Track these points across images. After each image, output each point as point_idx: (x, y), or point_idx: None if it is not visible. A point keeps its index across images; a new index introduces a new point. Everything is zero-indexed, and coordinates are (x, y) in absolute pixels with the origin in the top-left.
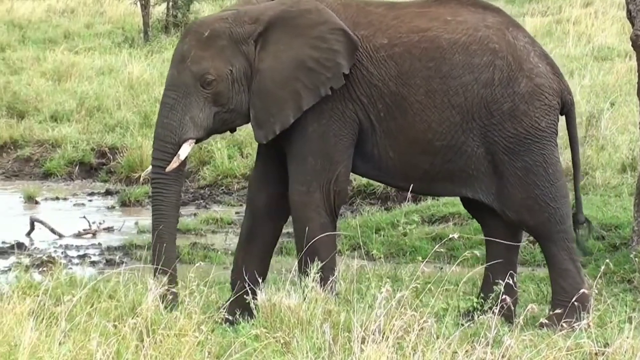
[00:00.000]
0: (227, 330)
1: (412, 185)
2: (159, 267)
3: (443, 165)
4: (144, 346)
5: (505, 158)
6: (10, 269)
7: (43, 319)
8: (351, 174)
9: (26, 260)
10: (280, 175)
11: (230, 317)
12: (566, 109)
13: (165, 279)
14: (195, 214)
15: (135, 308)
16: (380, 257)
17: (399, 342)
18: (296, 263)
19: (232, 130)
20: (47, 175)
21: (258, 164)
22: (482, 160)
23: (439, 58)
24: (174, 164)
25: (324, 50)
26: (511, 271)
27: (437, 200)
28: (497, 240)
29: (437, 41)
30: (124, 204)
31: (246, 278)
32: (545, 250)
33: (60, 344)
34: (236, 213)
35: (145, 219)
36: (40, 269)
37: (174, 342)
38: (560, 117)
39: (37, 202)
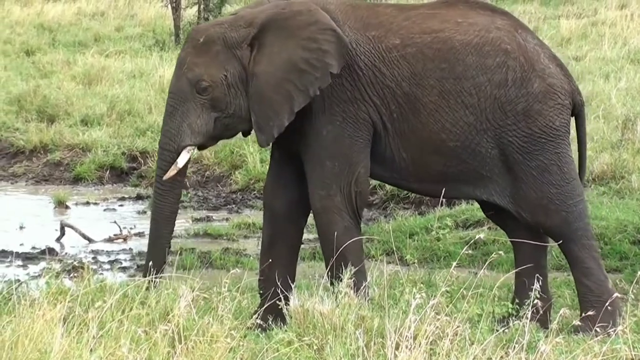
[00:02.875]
0: (260, 336)
1: (425, 187)
2: (146, 273)
3: (457, 166)
4: (175, 352)
5: (519, 158)
6: (40, 275)
7: (74, 325)
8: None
9: (57, 266)
10: (295, 178)
11: (263, 323)
12: (577, 110)
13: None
14: (227, 219)
15: (166, 314)
16: (413, 262)
17: (433, 348)
18: (328, 268)
19: (245, 134)
20: (77, 180)
21: (272, 168)
22: (497, 162)
23: (453, 59)
24: (171, 171)
25: (313, 51)
26: (539, 274)
27: (471, 204)
28: (522, 241)
29: (450, 42)
30: None
31: (279, 284)
32: (566, 251)
33: (91, 350)
34: None
35: (176, 224)
36: (71, 275)
37: (206, 348)
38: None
39: (67, 207)
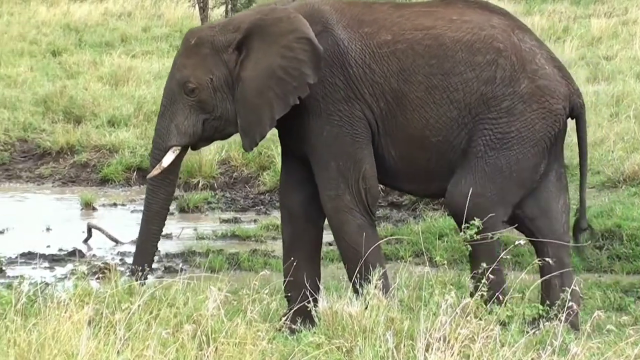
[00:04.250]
0: (289, 338)
1: (414, 186)
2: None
3: (438, 161)
4: (203, 355)
5: (482, 151)
6: (67, 277)
7: (101, 327)
8: None
9: (83, 268)
10: (308, 176)
11: (292, 325)
12: (575, 112)
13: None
14: (255, 220)
15: (194, 316)
16: (443, 264)
17: (464, 351)
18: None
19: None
20: (104, 181)
21: (284, 168)
22: (463, 154)
23: (442, 55)
24: (155, 170)
25: (290, 59)
26: (563, 273)
27: None
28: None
29: (440, 39)
30: (182, 210)
31: (306, 285)
32: (473, 250)
33: (118, 352)
34: None
35: (204, 225)
36: (98, 277)
37: (234, 350)
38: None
39: (94, 209)
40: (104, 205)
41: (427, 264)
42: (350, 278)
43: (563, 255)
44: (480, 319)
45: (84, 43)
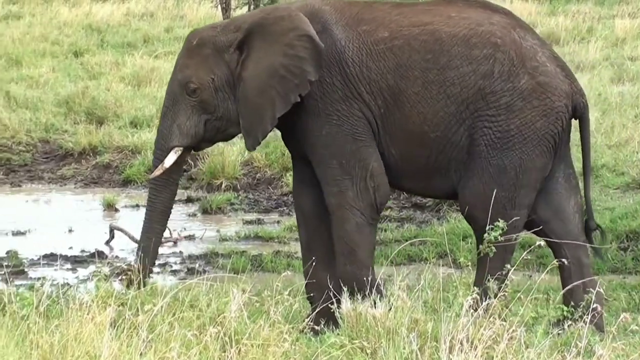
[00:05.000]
0: (312, 340)
1: (414, 185)
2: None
3: (437, 157)
4: (226, 356)
5: (484, 151)
6: (89, 278)
7: (123, 328)
8: None
9: (106, 269)
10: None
11: (315, 327)
12: (579, 112)
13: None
14: (278, 222)
15: (217, 317)
16: (467, 265)
17: (488, 352)
18: (381, 272)
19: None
20: (127, 182)
21: (294, 170)
22: (464, 151)
23: (438, 50)
24: (157, 171)
25: (291, 57)
26: (583, 273)
27: None
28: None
29: (437, 34)
30: (205, 211)
31: (330, 286)
32: (482, 255)
33: (140, 354)
34: None
35: (227, 226)
36: (120, 278)
37: (258, 352)
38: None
39: (116, 210)
40: (126, 206)
41: (451, 265)
42: (338, 273)
43: (581, 255)
44: (504, 320)
45: (106, 44)
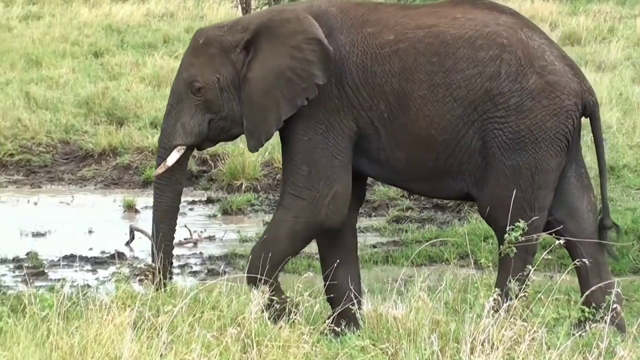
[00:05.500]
0: (333, 341)
1: (422, 186)
2: (153, 265)
3: (446, 160)
4: (247, 358)
5: (498, 153)
6: (109, 279)
7: (144, 330)
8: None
9: (126, 270)
10: None
11: (336, 328)
12: (589, 110)
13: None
14: None
15: (238, 318)
16: (488, 266)
17: (509, 353)
18: (402, 272)
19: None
20: (147, 183)
21: None
22: (478, 154)
23: (443, 53)
24: (160, 169)
25: (299, 60)
26: (601, 272)
27: None
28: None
29: (442, 36)
30: (225, 212)
31: (351, 287)
32: (503, 256)
33: (161, 355)
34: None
35: (248, 227)
36: (140, 279)
37: (279, 353)
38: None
39: (137, 211)
40: (146, 207)
41: (472, 266)
42: (250, 266)
43: (597, 254)
44: (526, 321)
45: (126, 44)
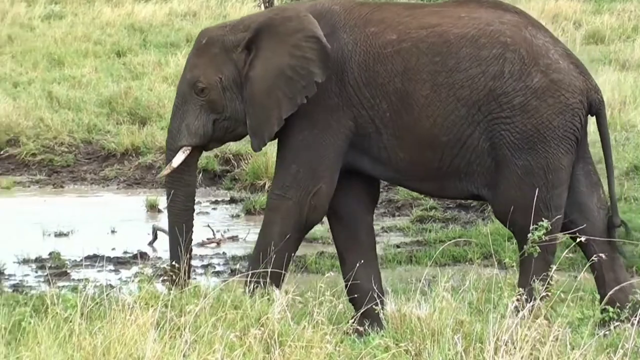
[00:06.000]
0: (356, 341)
1: (426, 186)
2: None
3: (451, 161)
4: (270, 358)
5: (508, 154)
6: (132, 279)
7: (166, 330)
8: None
9: (149, 271)
10: (345, 176)
11: (359, 328)
12: (594, 108)
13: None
14: (322, 222)
15: (261, 318)
16: (512, 266)
17: (533, 353)
18: (425, 272)
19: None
20: None
21: None
22: (486, 156)
23: (446, 52)
24: (165, 170)
25: (298, 58)
26: (616, 268)
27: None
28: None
29: (445, 35)
30: (248, 212)
31: (373, 287)
32: (524, 255)
33: (184, 355)
34: None
35: None
36: (163, 279)
37: (302, 354)
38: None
39: (159, 211)
40: None
41: (496, 266)
42: (248, 270)
43: (610, 251)
44: (549, 321)
45: (148, 43)
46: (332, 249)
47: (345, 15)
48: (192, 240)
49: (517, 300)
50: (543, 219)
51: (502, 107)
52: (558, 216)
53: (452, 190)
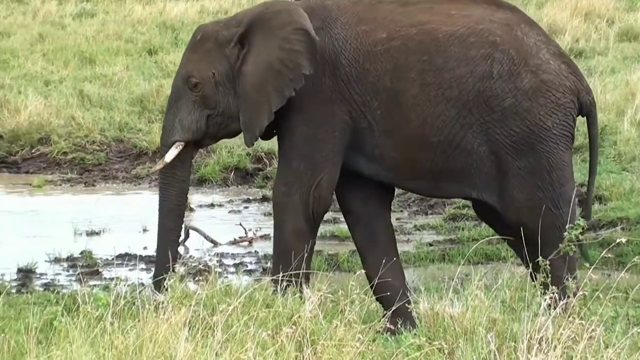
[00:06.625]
0: (389, 340)
1: (419, 185)
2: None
3: (444, 163)
4: (302, 357)
5: (508, 157)
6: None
7: (199, 329)
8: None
9: (181, 269)
10: (361, 176)
11: (392, 327)
12: (585, 109)
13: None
14: None
15: (293, 317)
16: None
17: (567, 352)
18: (458, 271)
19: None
20: (201, 182)
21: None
22: (485, 160)
23: (434, 50)
24: (158, 166)
25: (287, 51)
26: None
27: (604, 204)
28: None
29: (433, 33)
30: None
31: (405, 285)
32: (543, 256)
33: (216, 354)
34: (397, 219)
35: None
36: (196, 278)
37: (334, 352)
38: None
39: (191, 209)
40: (201, 205)
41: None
42: (272, 273)
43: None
44: (583, 320)
45: (180, 41)
46: None
47: (337, 12)
48: (179, 238)
49: (551, 298)
50: (554, 218)
51: (493, 109)
52: (569, 211)
53: (447, 191)
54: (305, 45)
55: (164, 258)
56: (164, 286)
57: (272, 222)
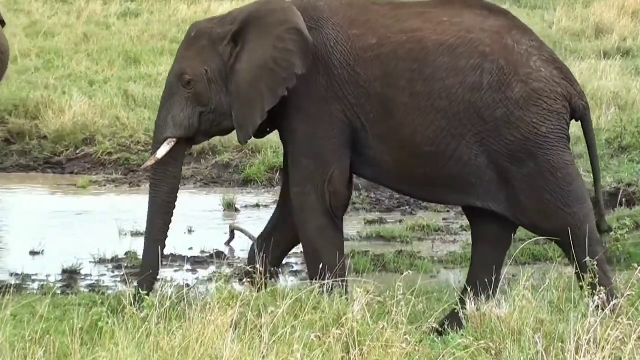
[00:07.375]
0: (436, 341)
1: (413, 190)
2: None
3: (439, 172)
4: (350, 358)
5: (509, 165)
6: (210, 279)
7: (245, 330)
8: None
9: (227, 270)
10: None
11: (439, 328)
12: (579, 114)
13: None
14: (401, 221)
15: (340, 318)
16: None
17: (615, 353)
18: (505, 271)
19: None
20: (247, 182)
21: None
22: (485, 170)
23: (423, 60)
24: (149, 162)
25: (280, 50)
26: (493, 274)
27: None
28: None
29: (423, 42)
30: None
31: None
32: (570, 256)
33: (263, 356)
34: (443, 219)
35: (349, 226)
36: (243, 280)
37: (381, 353)
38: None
39: (236, 210)
40: (246, 206)
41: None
42: (310, 277)
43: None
44: (632, 320)
45: None
46: (410, 248)
47: (328, 13)
48: (167, 235)
49: (599, 298)
50: (568, 218)
51: (486, 120)
52: (584, 207)
53: (447, 198)
54: (299, 44)
55: (151, 256)
56: (151, 283)
57: None
